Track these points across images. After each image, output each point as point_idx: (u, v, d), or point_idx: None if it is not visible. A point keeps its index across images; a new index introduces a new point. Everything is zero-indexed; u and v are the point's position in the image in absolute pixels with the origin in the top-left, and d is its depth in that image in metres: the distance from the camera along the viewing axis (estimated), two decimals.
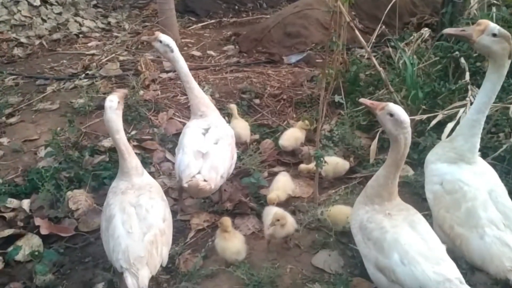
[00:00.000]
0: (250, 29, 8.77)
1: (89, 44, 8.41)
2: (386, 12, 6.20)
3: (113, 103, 3.24)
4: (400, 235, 2.76)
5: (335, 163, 4.46)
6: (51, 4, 9.11)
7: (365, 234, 2.90)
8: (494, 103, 4.27)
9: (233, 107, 5.28)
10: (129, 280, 2.77)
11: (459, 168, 3.17)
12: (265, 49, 7.87)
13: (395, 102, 4.73)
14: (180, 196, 4.27)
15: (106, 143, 5.08)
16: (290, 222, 3.57)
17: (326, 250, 3.63)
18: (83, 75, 6.96)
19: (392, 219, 2.86)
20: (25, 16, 8.50)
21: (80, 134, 5.35)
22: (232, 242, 3.47)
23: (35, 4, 8.76)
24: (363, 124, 5.22)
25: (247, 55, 7.91)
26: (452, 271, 2.63)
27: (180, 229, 3.99)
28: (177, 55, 4.13)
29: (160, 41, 4.10)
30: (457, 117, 4.00)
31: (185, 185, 3.69)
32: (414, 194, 4.22)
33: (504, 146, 3.96)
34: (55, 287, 3.39)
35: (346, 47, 5.91)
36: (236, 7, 10.95)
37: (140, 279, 2.79)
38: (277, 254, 3.63)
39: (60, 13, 9.04)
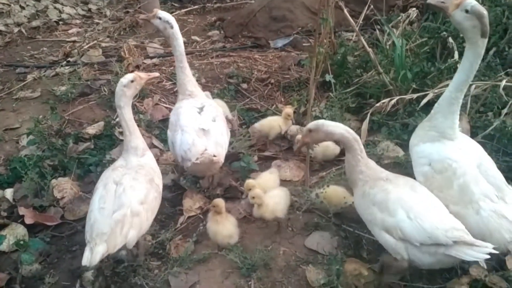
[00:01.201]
0: (235, 14, 8.63)
1: (70, 31, 8.21)
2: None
3: (125, 80, 3.31)
4: (403, 194, 2.87)
5: (326, 146, 4.40)
6: None
7: (369, 200, 2.94)
8: (484, 81, 4.30)
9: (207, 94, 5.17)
10: (85, 253, 2.79)
11: (444, 145, 3.15)
12: (250, 34, 7.76)
13: (384, 83, 4.73)
14: (180, 175, 4.23)
15: (91, 130, 4.95)
16: (276, 206, 3.51)
17: (319, 232, 3.59)
18: (65, 62, 6.78)
19: (393, 183, 2.98)
20: (3, 3, 8.23)
21: (63, 122, 5.21)
22: (224, 226, 3.40)
23: None
24: (352, 107, 5.18)
25: (233, 40, 7.79)
26: (456, 222, 2.74)
27: (170, 215, 3.91)
28: (177, 31, 4.07)
29: (160, 18, 4.02)
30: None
31: (197, 161, 3.60)
32: (405, 174, 4.18)
33: (494, 124, 3.94)
34: (42, 276, 3.29)
35: (333, 30, 5.81)
36: None
37: (93, 254, 2.77)
38: (270, 237, 3.57)
39: (39, 0, 8.76)
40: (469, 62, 3.01)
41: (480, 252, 2.61)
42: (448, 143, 3.14)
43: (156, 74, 3.76)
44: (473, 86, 4.05)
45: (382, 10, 6.69)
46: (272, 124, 4.74)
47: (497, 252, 2.66)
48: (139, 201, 3.10)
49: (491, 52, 5.20)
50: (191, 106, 3.98)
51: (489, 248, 2.61)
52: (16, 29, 7.98)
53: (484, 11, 2.82)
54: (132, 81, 3.31)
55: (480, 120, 4.29)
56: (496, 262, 3.30)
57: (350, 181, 3.24)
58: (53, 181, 4.12)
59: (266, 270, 3.25)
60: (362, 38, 4.93)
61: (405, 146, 4.49)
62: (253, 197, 3.48)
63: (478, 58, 2.99)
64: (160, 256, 3.44)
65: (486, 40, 2.92)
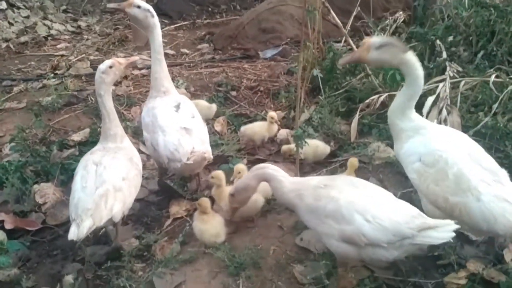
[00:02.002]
0: (224, 28, 8.66)
1: (58, 46, 8.15)
2: (357, 5, 6.21)
3: (103, 67, 3.31)
4: (352, 196, 2.73)
5: (316, 146, 4.32)
6: (18, 8, 8.85)
7: (321, 214, 2.74)
8: (473, 76, 4.26)
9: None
10: (71, 229, 2.82)
11: (423, 136, 3.06)
12: (240, 45, 7.76)
13: (373, 86, 4.69)
14: (161, 176, 4.12)
15: (76, 137, 4.84)
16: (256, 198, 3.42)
17: (310, 231, 3.46)
18: (52, 75, 6.70)
19: (333, 187, 2.80)
20: None
21: (48, 130, 5.10)
22: (211, 224, 3.28)
23: (1, 7, 8.47)
24: (342, 111, 5.12)
25: (222, 52, 7.78)
26: (411, 209, 2.69)
27: (156, 218, 3.79)
28: (157, 20, 3.99)
29: (139, 7, 3.90)
30: (437, 91, 3.93)
31: (189, 161, 3.52)
32: (397, 173, 4.12)
33: (485, 120, 3.88)
34: (20, 281, 3.11)
35: (321, 37, 5.81)
36: (210, 9, 10.83)
37: (80, 229, 2.79)
38: (259, 236, 3.44)
39: (27, 17, 8.77)
40: (411, 88, 3.00)
41: (445, 232, 2.55)
42: (425, 132, 3.07)
43: (136, 57, 3.72)
44: (462, 83, 4.02)
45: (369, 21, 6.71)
46: (256, 129, 4.67)
47: (458, 226, 2.59)
48: (120, 177, 3.16)
49: (480, 55, 5.21)
50: (166, 105, 3.87)
51: (452, 225, 2.57)
52: (4, 45, 7.92)
53: (387, 38, 2.92)
54: (110, 67, 3.30)
55: (471, 119, 4.24)
56: (494, 257, 3.21)
57: (287, 205, 3.04)
58: (35, 186, 3.99)
59: (255, 269, 3.11)
60: (349, 39, 4.90)
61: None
62: (212, 177, 3.56)
63: (419, 80, 2.98)
64: (145, 258, 3.31)
65: (412, 55, 2.92)
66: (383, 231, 2.56)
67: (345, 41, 5.17)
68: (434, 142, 3.01)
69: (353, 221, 2.63)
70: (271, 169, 2.99)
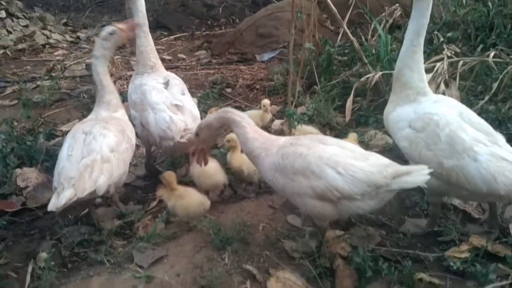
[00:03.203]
0: (222, 35, 8.66)
1: (56, 53, 8.13)
2: (350, 11, 6.16)
3: (104, 33, 3.23)
4: (321, 151, 2.57)
5: (309, 131, 4.16)
6: (18, 18, 8.88)
7: (289, 172, 2.59)
8: (472, 56, 4.13)
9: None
10: (52, 199, 2.68)
11: (419, 104, 2.90)
12: (237, 51, 7.72)
13: (370, 81, 4.57)
14: (148, 158, 3.94)
15: (65, 128, 4.73)
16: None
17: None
18: (46, 77, 6.63)
19: (302, 145, 2.65)
20: None
21: (37, 123, 4.97)
22: (190, 197, 3.10)
23: (0, 16, 8.50)
24: (339, 104, 4.99)
25: (219, 57, 7.73)
26: (382, 159, 2.59)
27: (142, 200, 3.62)
28: None
29: None
30: (435, 69, 3.79)
31: (182, 139, 3.41)
32: (395, 158, 3.92)
33: (485, 99, 3.72)
34: None
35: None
36: (209, 22, 10.90)
37: (59, 198, 2.65)
38: (248, 214, 3.24)
39: (26, 26, 8.80)
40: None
41: (419, 176, 2.45)
42: (423, 100, 2.91)
43: (135, 21, 3.56)
44: (461, 63, 3.89)
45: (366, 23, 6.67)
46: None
47: (432, 170, 2.47)
48: (109, 147, 2.99)
49: (479, 49, 5.10)
50: (155, 82, 3.73)
51: (425, 169, 2.46)
52: (1, 51, 7.90)
53: None
54: (111, 34, 3.21)
55: (470, 99, 4.09)
56: (499, 231, 3.00)
57: (248, 155, 2.88)
58: (17, 170, 3.83)
59: (242, 244, 2.91)
60: (346, 27, 4.81)
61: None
62: (228, 140, 3.47)
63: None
64: (127, 236, 3.11)
65: None
66: (357, 182, 2.45)
67: (343, 33, 5.06)
68: (424, 107, 2.85)
69: (324, 176, 2.49)
70: (235, 114, 2.83)
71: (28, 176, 3.82)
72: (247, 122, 2.83)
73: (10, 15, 8.78)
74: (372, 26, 5.29)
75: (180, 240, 2.99)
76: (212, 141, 3.19)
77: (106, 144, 3.00)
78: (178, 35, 9.73)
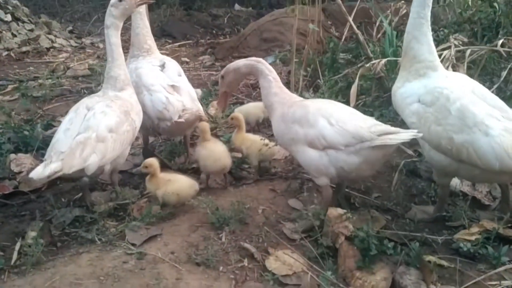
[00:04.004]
0: (226, 40, 8.65)
1: (60, 56, 8.13)
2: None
3: (113, 0, 3.13)
4: (323, 105, 2.82)
5: None
6: (23, 22, 8.92)
7: (289, 120, 2.79)
8: (479, 44, 4.03)
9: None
10: (38, 168, 2.58)
11: (429, 78, 2.77)
12: (241, 55, 7.67)
13: (375, 68, 4.48)
14: (146, 144, 3.84)
15: (62, 119, 4.61)
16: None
17: (305, 194, 3.15)
18: (49, 76, 6.59)
19: (311, 101, 2.97)
20: None
21: (36, 116, 4.91)
22: (178, 181, 2.98)
23: (5, 19, 8.54)
24: (343, 101, 4.89)
25: (223, 61, 7.69)
26: (376, 121, 2.67)
27: (138, 186, 3.48)
28: None
29: None
30: (442, 56, 3.69)
31: (180, 119, 3.33)
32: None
33: (495, 86, 3.60)
34: None
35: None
36: (214, 31, 10.94)
37: (44, 169, 2.55)
38: (248, 198, 3.11)
39: (31, 30, 8.83)
40: None
41: (405, 135, 2.49)
42: (433, 75, 2.78)
43: None
44: (468, 51, 3.79)
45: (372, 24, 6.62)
46: (250, 110, 4.45)
47: (421, 134, 2.52)
48: (107, 127, 2.87)
49: (485, 39, 5.01)
50: (150, 64, 3.64)
51: (413, 132, 2.50)
52: (5, 53, 7.91)
53: None
54: (120, 1, 3.09)
55: None
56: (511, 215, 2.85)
57: (267, 108, 3.05)
58: (12, 155, 3.75)
59: (241, 225, 2.77)
60: (350, 19, 4.75)
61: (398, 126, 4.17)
62: (232, 118, 3.51)
63: None
64: (120, 218, 2.98)
65: None
66: (344, 133, 2.57)
67: (349, 29, 5.01)
68: (435, 81, 2.73)
69: (316, 124, 2.66)
70: (266, 66, 2.95)
71: (23, 161, 3.72)
72: (274, 77, 2.96)
73: (16, 19, 8.81)
74: (377, 23, 5.22)
75: (176, 221, 2.85)
76: (235, 87, 3.27)
77: (105, 123, 2.88)
78: (182, 43, 9.74)
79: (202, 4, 12.86)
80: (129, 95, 3.22)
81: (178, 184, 2.94)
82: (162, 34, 10.50)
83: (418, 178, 3.41)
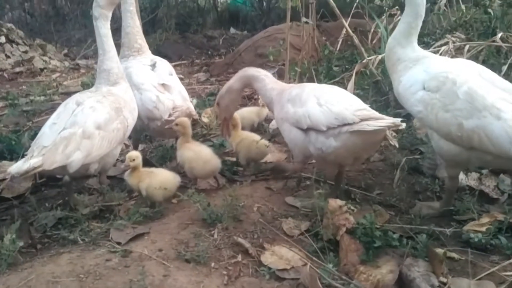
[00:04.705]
0: (221, 58, 8.62)
1: (53, 76, 8.04)
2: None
3: None
4: (318, 87, 2.88)
5: None
6: (17, 44, 8.89)
7: (285, 99, 2.80)
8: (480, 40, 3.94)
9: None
10: (18, 162, 2.48)
11: (425, 63, 2.64)
12: (236, 70, 7.57)
13: (370, 72, 4.39)
14: (135, 147, 3.71)
15: None
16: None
17: (303, 192, 2.98)
18: (41, 93, 6.48)
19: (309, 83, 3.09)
20: None
21: (25, 128, 4.76)
22: (161, 174, 2.85)
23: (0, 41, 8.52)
24: None
25: (217, 76, 7.63)
26: (368, 107, 2.63)
27: (124, 190, 3.29)
28: None
29: None
30: (439, 52, 3.59)
31: (170, 118, 3.20)
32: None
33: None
34: None
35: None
36: (209, 52, 10.92)
37: (24, 163, 2.42)
38: (243, 196, 2.89)
39: (26, 52, 8.78)
40: None
41: (383, 122, 2.42)
42: (426, 60, 2.66)
43: None
44: (467, 47, 3.69)
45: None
46: (244, 114, 4.31)
47: (403, 125, 2.52)
48: (95, 123, 2.71)
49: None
50: (141, 64, 3.54)
51: (397, 120, 2.44)
52: None
53: None
54: None
55: None
56: None
57: (269, 105, 3.07)
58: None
59: (234, 222, 2.58)
60: (343, 20, 4.68)
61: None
62: None
63: None
64: (106, 219, 2.78)
65: None
66: (328, 114, 2.52)
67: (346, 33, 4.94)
68: (438, 66, 2.61)
69: (306, 103, 2.65)
70: (252, 69, 2.96)
71: (7, 168, 3.54)
72: (265, 74, 2.96)
73: (10, 41, 8.79)
74: (372, 29, 5.16)
75: (165, 219, 2.67)
76: (234, 108, 3.19)
77: (93, 119, 2.72)
78: (178, 63, 9.67)
79: (197, 28, 12.92)
80: (123, 90, 3.07)
81: (162, 176, 2.79)
82: (157, 54, 10.42)
83: (421, 175, 3.24)
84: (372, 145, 2.68)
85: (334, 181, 2.89)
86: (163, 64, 3.63)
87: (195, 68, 9.01)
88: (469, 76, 2.48)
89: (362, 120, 2.44)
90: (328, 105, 2.56)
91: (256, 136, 3.32)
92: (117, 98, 2.97)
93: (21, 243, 2.48)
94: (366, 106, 2.61)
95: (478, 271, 2.19)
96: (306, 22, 4.90)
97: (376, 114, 2.51)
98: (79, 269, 2.14)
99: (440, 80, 2.52)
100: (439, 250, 2.25)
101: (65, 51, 10.76)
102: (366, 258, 2.25)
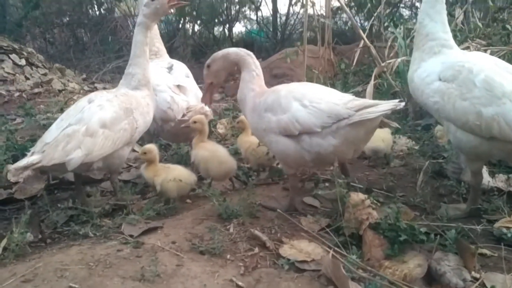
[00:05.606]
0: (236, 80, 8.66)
1: (71, 96, 8.13)
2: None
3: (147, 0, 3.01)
4: (295, 87, 2.60)
5: None
6: (37, 67, 9.08)
7: (261, 109, 2.57)
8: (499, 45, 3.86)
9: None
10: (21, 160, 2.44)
11: (445, 55, 2.58)
12: None
13: (390, 85, 4.33)
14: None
15: None
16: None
17: (320, 192, 2.86)
18: (59, 111, 6.53)
19: (280, 85, 2.73)
20: (8, 73, 8.36)
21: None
22: (177, 169, 2.80)
23: (20, 63, 8.70)
24: None
25: (232, 97, 7.65)
26: (354, 97, 2.45)
27: (141, 191, 3.23)
28: None
29: None
30: None
31: (184, 118, 3.17)
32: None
33: None
34: None
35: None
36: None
37: (23, 159, 2.39)
38: (259, 195, 2.82)
39: (45, 74, 8.95)
40: None
41: (385, 105, 2.25)
42: (449, 52, 2.59)
43: None
44: (488, 52, 3.62)
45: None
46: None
47: (403, 104, 2.30)
48: (100, 122, 2.62)
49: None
50: (158, 66, 3.54)
51: (394, 102, 2.28)
52: (17, 94, 7.95)
53: None
54: (152, 0, 2.96)
55: None
56: None
57: (240, 102, 2.81)
58: (8, 165, 3.53)
59: (251, 218, 2.48)
60: (360, 30, 4.66)
61: (416, 139, 3.94)
62: (238, 122, 3.39)
63: None
64: (119, 215, 2.68)
65: None
66: (318, 113, 2.33)
67: (364, 45, 4.91)
68: (454, 56, 2.54)
69: (289, 108, 2.43)
70: (253, 60, 2.73)
71: (20, 171, 3.51)
72: (258, 74, 2.73)
73: (30, 64, 8.98)
74: (389, 44, 5.13)
75: (179, 216, 2.58)
76: (222, 78, 2.93)
77: (98, 116, 2.64)
78: None
79: None
80: (141, 95, 2.99)
81: (178, 171, 2.72)
82: None
83: (445, 179, 3.11)
84: (371, 132, 2.51)
85: (342, 174, 2.74)
86: (180, 67, 3.63)
87: None
88: (485, 65, 2.41)
89: (357, 110, 2.30)
90: (314, 104, 2.37)
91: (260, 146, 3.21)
92: (129, 98, 2.90)
93: (31, 238, 2.43)
94: (352, 96, 2.47)
95: None
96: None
97: (368, 101, 2.40)
98: (89, 258, 2.05)
99: (456, 69, 2.44)
100: (470, 247, 2.11)
101: (84, 76, 10.97)
102: (392, 253, 2.12)
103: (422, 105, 2.72)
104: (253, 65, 2.71)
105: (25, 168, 2.34)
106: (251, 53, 2.74)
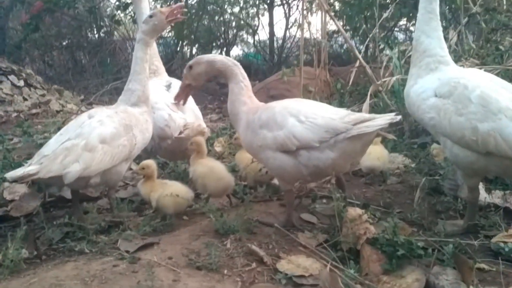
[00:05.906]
0: None
1: (69, 118, 8.16)
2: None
3: (144, 16, 3.14)
4: (289, 103, 2.62)
5: None
6: (35, 88, 9.13)
7: (256, 126, 2.56)
8: (493, 64, 3.92)
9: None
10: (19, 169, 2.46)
11: (441, 72, 2.62)
12: None
13: (385, 104, 4.38)
14: None
15: None
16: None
17: (318, 207, 2.87)
18: (56, 131, 6.54)
19: (273, 102, 2.75)
20: (6, 94, 8.40)
21: None
22: (174, 186, 2.78)
23: (18, 84, 8.76)
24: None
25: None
26: (349, 112, 2.49)
27: (137, 208, 3.21)
28: None
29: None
30: None
31: (181, 135, 3.18)
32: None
33: None
34: None
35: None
36: (221, 98, 11.09)
37: (20, 169, 2.40)
38: (256, 211, 2.82)
39: (43, 95, 8.99)
40: None
41: (382, 120, 2.29)
42: (445, 69, 2.63)
43: (180, 3, 3.20)
44: (482, 71, 3.66)
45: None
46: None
47: (399, 117, 2.34)
48: (99, 137, 2.64)
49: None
50: (157, 84, 3.57)
51: (391, 115, 2.32)
52: (14, 114, 7.97)
53: None
54: (151, 16, 3.00)
55: None
56: None
57: (232, 116, 2.79)
58: (5, 183, 3.52)
59: (248, 234, 2.47)
60: (356, 51, 4.73)
61: (412, 157, 3.95)
62: (235, 139, 3.46)
63: None
64: (115, 232, 2.67)
65: None
66: (315, 129, 2.36)
67: (360, 65, 4.97)
68: (449, 73, 2.59)
69: (285, 124, 2.43)
70: (240, 71, 2.69)
71: (16, 190, 3.50)
72: (246, 85, 2.72)
73: (28, 85, 9.03)
74: (384, 64, 5.20)
75: (176, 232, 2.57)
76: (201, 82, 2.88)
77: (98, 132, 2.66)
78: None
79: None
80: (140, 112, 3.01)
81: (175, 187, 2.71)
82: None
83: (441, 195, 3.12)
84: (368, 145, 2.54)
85: (339, 188, 2.74)
86: (178, 85, 3.65)
87: (208, 111, 9.11)
88: (481, 81, 2.45)
89: (355, 124, 2.33)
90: (310, 120, 2.39)
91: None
92: (129, 115, 2.92)
93: (26, 254, 2.40)
94: (348, 111, 2.53)
95: (510, 281, 2.03)
96: None
97: (364, 115, 2.46)
98: (84, 273, 2.03)
99: (452, 85, 2.49)
100: (468, 261, 2.10)
101: (82, 97, 11.02)
102: (389, 268, 2.11)
103: (418, 121, 2.75)
104: (240, 76, 2.69)
105: (22, 178, 2.35)
106: (238, 63, 2.74)
